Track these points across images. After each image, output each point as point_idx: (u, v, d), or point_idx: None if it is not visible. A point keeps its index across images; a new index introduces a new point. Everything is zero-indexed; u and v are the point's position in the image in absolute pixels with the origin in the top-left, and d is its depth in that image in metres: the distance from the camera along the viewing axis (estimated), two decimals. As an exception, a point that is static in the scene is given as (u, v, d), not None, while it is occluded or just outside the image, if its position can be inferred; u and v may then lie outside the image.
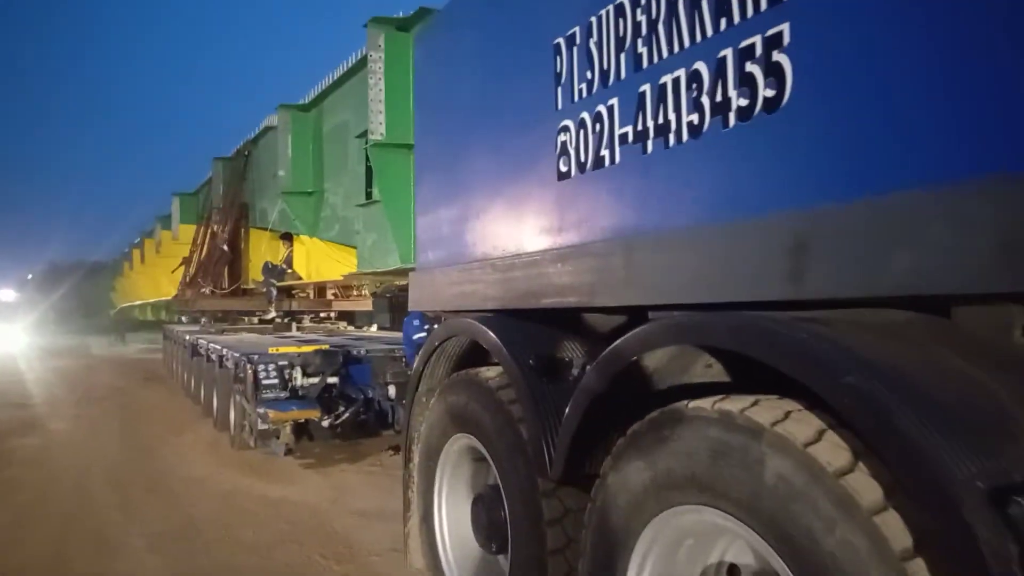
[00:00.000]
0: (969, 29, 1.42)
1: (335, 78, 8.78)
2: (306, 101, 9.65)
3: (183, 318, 17.17)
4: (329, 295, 12.05)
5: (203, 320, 14.61)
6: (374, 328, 11.52)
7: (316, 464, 6.87)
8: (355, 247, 8.11)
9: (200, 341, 10.38)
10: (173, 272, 15.68)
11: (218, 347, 8.68)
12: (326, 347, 7.35)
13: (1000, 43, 1.37)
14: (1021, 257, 1.38)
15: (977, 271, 1.45)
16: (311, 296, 12.38)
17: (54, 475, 6.65)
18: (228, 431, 7.80)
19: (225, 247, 12.66)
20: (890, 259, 1.55)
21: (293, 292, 12.22)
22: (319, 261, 10.12)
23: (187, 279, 14.20)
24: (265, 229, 11.69)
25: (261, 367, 6.72)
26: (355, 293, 11.02)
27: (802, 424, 1.65)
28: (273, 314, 12.22)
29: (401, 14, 6.73)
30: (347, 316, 12.93)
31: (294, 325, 12.39)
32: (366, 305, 10.56)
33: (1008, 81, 1.35)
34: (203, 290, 12.98)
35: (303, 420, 6.59)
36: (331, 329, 12.38)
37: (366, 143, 6.85)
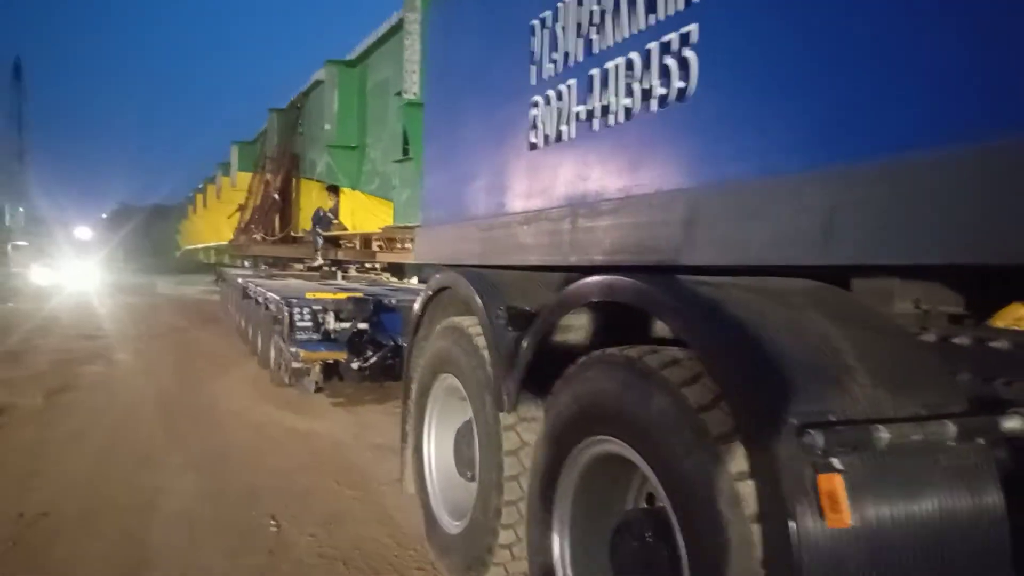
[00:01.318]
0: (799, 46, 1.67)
1: (379, 35, 9.10)
2: (352, 57, 10.01)
3: (246, 263, 17.93)
4: (374, 246, 12.51)
5: (252, 265, 15.27)
6: (415, 280, 11.96)
7: (345, 403, 7.38)
8: (392, 201, 8.52)
9: (249, 285, 10.99)
10: (229, 218, 16.40)
11: (263, 291, 9.24)
12: (360, 295, 7.80)
13: (821, 56, 1.62)
14: (843, 235, 1.64)
15: (814, 247, 1.72)
16: (357, 247, 12.87)
17: (111, 399, 7.34)
18: (269, 369, 8.40)
19: (276, 196, 13.25)
20: (754, 233, 1.83)
21: (340, 242, 12.72)
22: (361, 213, 10.57)
23: (241, 225, 14.89)
24: (313, 180, 12.21)
25: (296, 310, 7.22)
26: (399, 246, 11.45)
27: (684, 369, 1.95)
28: (320, 262, 12.76)
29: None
30: (396, 268, 13.39)
31: (339, 274, 12.92)
32: (409, 258, 10.99)
33: (826, 89, 1.60)
34: (255, 236, 13.62)
35: (331, 361, 7.09)
36: (374, 279, 12.85)
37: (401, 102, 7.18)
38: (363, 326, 7.41)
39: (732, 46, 1.92)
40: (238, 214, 15.62)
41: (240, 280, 12.47)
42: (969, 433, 1.71)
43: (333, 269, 13.00)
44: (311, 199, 12.76)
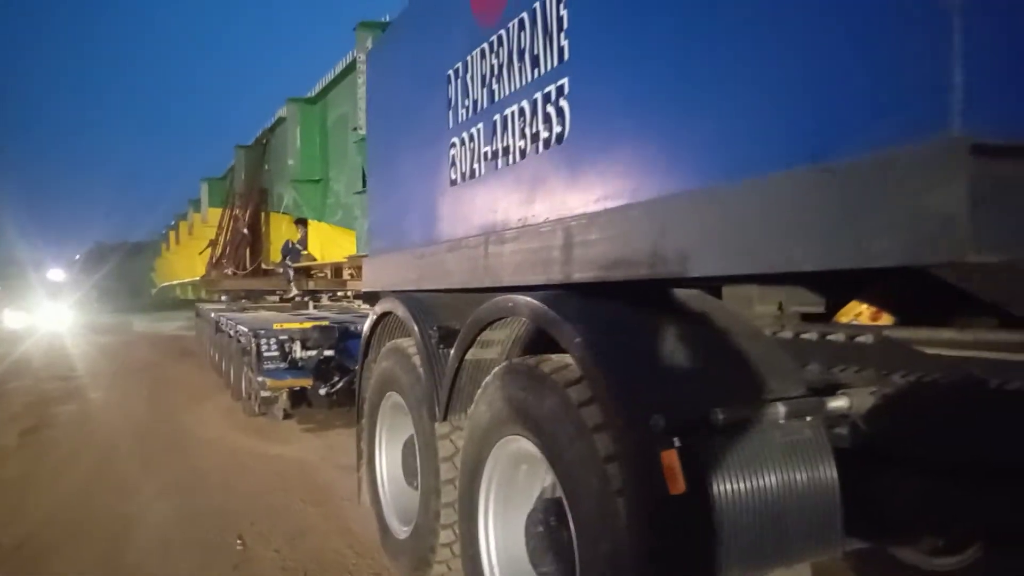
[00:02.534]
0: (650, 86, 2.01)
1: (337, 73, 9.46)
2: (312, 94, 10.36)
3: (223, 297, 18.06)
4: (345, 275, 12.78)
5: (225, 298, 15.47)
6: (385, 306, 12.22)
7: (315, 428, 7.62)
8: (355, 231, 8.82)
9: (221, 318, 11.22)
10: (200, 254, 16.59)
11: (234, 323, 9.48)
12: (325, 323, 8.08)
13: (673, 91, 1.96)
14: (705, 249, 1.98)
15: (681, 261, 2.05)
16: (328, 276, 13.13)
17: (87, 436, 7.53)
18: (241, 400, 8.62)
19: (245, 230, 13.51)
20: (625, 253, 2.16)
21: (312, 272, 12.99)
22: (328, 244, 10.86)
23: (213, 260, 15.10)
24: (281, 213, 12.50)
25: (263, 341, 7.49)
26: (366, 274, 11.73)
27: (569, 372, 2.27)
28: (294, 292, 13.00)
29: (387, 18, 7.36)
30: (369, 295, 13.62)
31: (311, 304, 13.16)
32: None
33: (684, 125, 1.95)
34: (226, 271, 13.84)
35: (298, 388, 7.36)
36: (345, 307, 13.11)
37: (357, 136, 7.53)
38: (329, 353, 7.68)
39: (596, 97, 2.27)
40: (209, 250, 15.83)
41: (213, 314, 12.68)
42: (799, 413, 2.05)
43: (305, 299, 13.24)
44: (280, 232, 13.03)
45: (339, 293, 13.90)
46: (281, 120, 11.98)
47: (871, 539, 2.30)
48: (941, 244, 1.22)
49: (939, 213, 1.22)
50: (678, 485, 1.80)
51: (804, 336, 2.33)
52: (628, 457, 1.94)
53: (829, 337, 2.27)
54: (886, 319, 2.29)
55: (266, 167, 13.41)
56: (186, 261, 22.85)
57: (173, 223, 25.71)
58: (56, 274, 49.92)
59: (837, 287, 2.33)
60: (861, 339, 2.18)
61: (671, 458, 1.82)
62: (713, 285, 2.46)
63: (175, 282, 26.74)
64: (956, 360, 1.97)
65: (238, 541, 4.32)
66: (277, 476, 5.78)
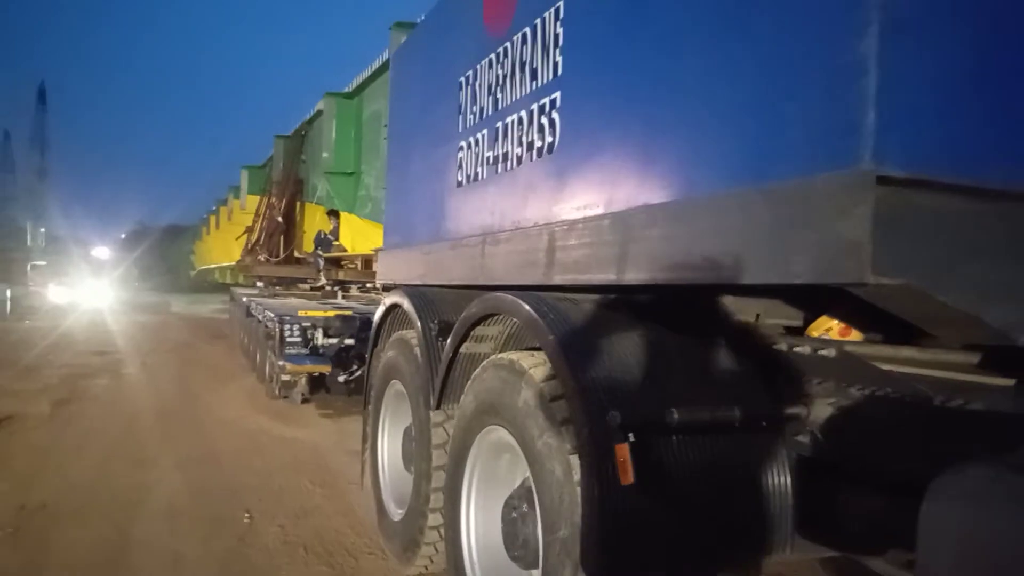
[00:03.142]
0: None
1: (373, 70, 9.70)
2: (349, 89, 10.62)
3: (259, 283, 18.47)
4: (374, 267, 13.01)
5: (260, 285, 15.85)
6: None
7: (333, 414, 7.85)
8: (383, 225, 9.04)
9: (252, 303, 11.53)
10: (237, 239, 17.02)
11: (262, 308, 9.77)
12: (348, 312, 8.31)
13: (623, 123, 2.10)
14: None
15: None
16: (359, 267, 13.41)
17: (114, 409, 7.86)
18: (264, 383, 8.90)
19: (280, 219, 13.84)
20: (599, 259, 2.30)
21: (342, 263, 13.27)
22: (358, 236, 11.10)
23: (248, 246, 15.49)
24: (316, 204, 12.80)
25: (287, 327, 7.75)
26: (395, 266, 11.96)
27: (546, 368, 2.41)
28: (323, 282, 13.29)
29: (421, 19, 7.54)
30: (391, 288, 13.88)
31: (339, 293, 13.45)
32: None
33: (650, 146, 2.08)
34: (260, 257, 14.20)
35: (316, 374, 7.60)
36: (373, 299, 13.37)
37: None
38: (350, 342, 7.91)
39: (582, 112, 2.41)
40: (245, 236, 16.23)
41: (245, 299, 13.04)
42: (756, 418, 2.17)
43: (335, 289, 13.54)
44: (314, 222, 13.32)
45: (368, 285, 14.21)
46: (319, 113, 12.25)
47: (825, 545, 2.39)
48: (847, 266, 1.34)
49: (846, 238, 1.34)
50: (628, 477, 1.93)
51: (775, 347, 2.44)
52: (587, 449, 2.07)
53: (796, 349, 2.37)
54: (855, 335, 2.39)
55: (303, 158, 13.73)
56: (224, 246, 23.39)
57: (214, 208, 26.34)
58: (101, 251, 51.33)
59: (815, 302, 2.43)
60: (824, 352, 2.28)
61: (623, 452, 1.95)
62: (691, 295, 2.58)
63: (213, 266, 27.39)
64: (911, 377, 2.07)
65: (245, 515, 4.53)
66: (290, 457, 6.00)
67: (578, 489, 2.11)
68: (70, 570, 3.71)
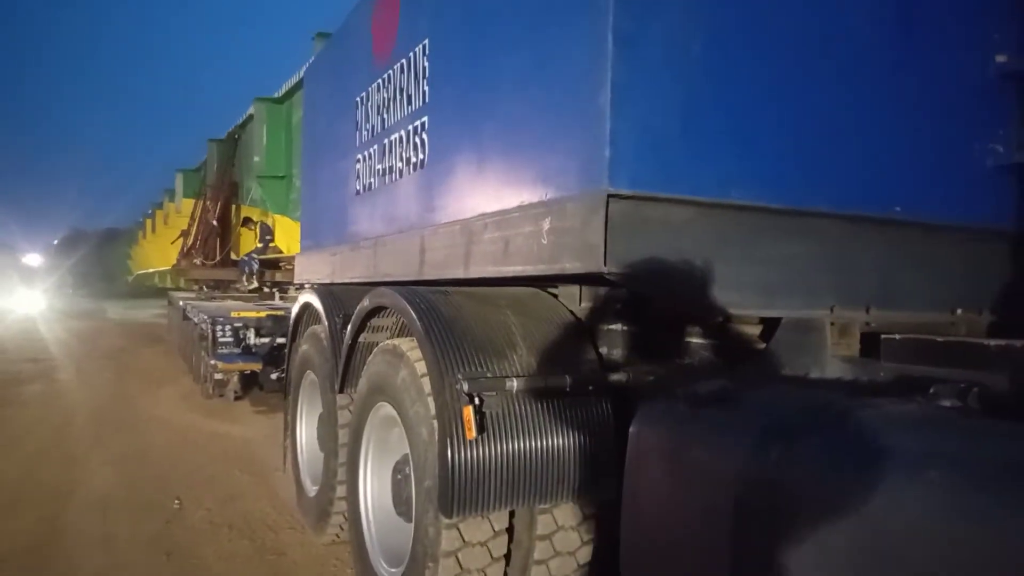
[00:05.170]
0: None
1: (301, 76, 9.99)
2: (279, 95, 10.89)
3: (204, 288, 18.40)
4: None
5: (197, 288, 15.93)
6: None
7: (266, 410, 8.16)
8: (313, 227, 9.37)
9: (188, 306, 11.71)
10: (172, 243, 17.03)
11: (197, 311, 10.00)
12: (281, 313, 8.63)
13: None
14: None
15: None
16: (295, 268, 13.62)
17: (46, 414, 8.03)
18: (200, 384, 9.15)
19: (215, 222, 13.98)
20: (466, 256, 2.76)
21: (280, 264, 13.48)
22: (293, 238, 11.37)
23: (184, 250, 15.56)
24: (249, 206, 13.00)
25: (219, 327, 8.05)
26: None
27: (420, 350, 2.86)
28: (255, 285, 13.47)
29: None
30: (335, 287, 14.10)
31: (277, 294, 13.66)
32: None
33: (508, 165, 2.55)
34: (195, 260, 14.32)
35: (248, 371, 7.92)
36: (310, 299, 13.61)
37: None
38: (282, 340, 8.20)
39: (444, 134, 2.87)
40: (181, 239, 16.27)
41: (182, 303, 13.16)
42: (584, 383, 2.65)
43: (273, 290, 13.74)
44: (250, 227, 13.50)
45: (306, 285, 14.44)
46: (251, 117, 12.47)
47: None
48: (592, 260, 1.83)
49: (590, 240, 1.83)
50: (471, 433, 2.40)
51: (611, 327, 2.93)
52: (442, 413, 2.53)
53: (626, 328, 2.87)
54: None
55: (236, 161, 13.88)
56: (161, 250, 23.15)
57: (150, 212, 26.04)
58: (32, 259, 49.73)
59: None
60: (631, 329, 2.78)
61: (468, 413, 2.42)
62: (548, 285, 3.07)
63: (151, 270, 27.06)
64: (700, 346, 2.59)
65: (175, 501, 4.87)
66: (220, 450, 6.34)
67: (437, 447, 2.57)
68: (1, 557, 4.00)
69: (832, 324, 2.37)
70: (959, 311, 2.55)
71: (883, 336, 2.20)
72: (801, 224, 2.16)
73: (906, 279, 2.46)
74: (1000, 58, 2.50)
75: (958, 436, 1.45)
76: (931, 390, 1.77)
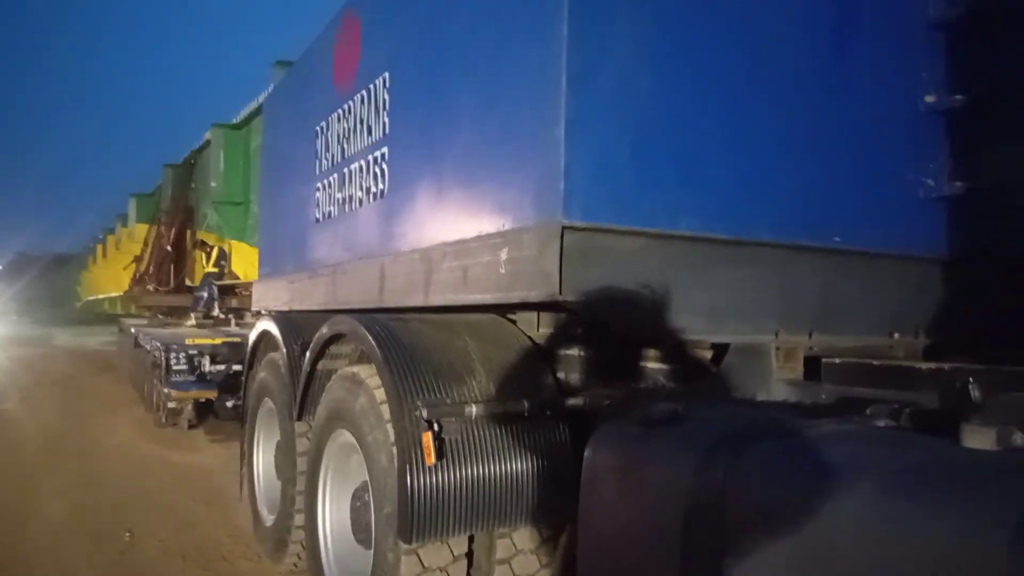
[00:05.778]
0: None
1: (260, 102, 9.98)
2: (237, 121, 10.86)
3: (159, 315, 17.99)
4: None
5: (150, 315, 15.62)
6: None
7: (222, 438, 8.02)
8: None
9: (140, 333, 11.47)
10: (124, 269, 16.70)
11: (150, 338, 9.81)
12: (237, 339, 8.52)
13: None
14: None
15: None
16: (252, 295, 13.46)
17: (-7, 443, 7.80)
18: (153, 413, 8.97)
19: (170, 248, 13.78)
20: (423, 284, 2.81)
21: (236, 291, 13.31)
22: (250, 264, 11.27)
23: (136, 276, 15.27)
24: (207, 232, 12.85)
25: (172, 355, 7.91)
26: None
27: (379, 377, 2.89)
28: (216, 312, 13.27)
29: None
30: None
31: (232, 320, 13.47)
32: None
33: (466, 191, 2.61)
34: (148, 287, 14.06)
35: (203, 400, 7.80)
36: (267, 325, 13.44)
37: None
38: (238, 367, 8.10)
39: (403, 165, 2.94)
40: (134, 265, 15.97)
41: (133, 329, 12.88)
42: (541, 407, 2.71)
43: (229, 316, 13.54)
44: (205, 250, 13.33)
45: (262, 312, 14.26)
46: (208, 142, 12.38)
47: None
48: (547, 289, 1.90)
49: (546, 269, 1.90)
50: (430, 459, 2.44)
51: (568, 352, 3.00)
52: (401, 439, 2.56)
53: (583, 353, 2.95)
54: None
55: (193, 187, 13.73)
56: (113, 275, 22.65)
57: (101, 237, 25.51)
58: (-25, 284, 48.08)
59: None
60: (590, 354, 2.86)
61: (427, 439, 2.46)
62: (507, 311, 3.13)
63: (101, 296, 26.43)
64: (653, 370, 2.68)
65: (127, 533, 4.77)
66: (175, 479, 6.22)
67: (396, 473, 2.59)
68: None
69: (777, 349, 2.48)
70: (896, 335, 2.68)
71: (824, 360, 2.31)
72: (746, 253, 2.27)
73: (846, 305, 2.58)
74: (929, 98, 2.66)
75: (889, 452, 1.54)
76: (868, 411, 1.87)
